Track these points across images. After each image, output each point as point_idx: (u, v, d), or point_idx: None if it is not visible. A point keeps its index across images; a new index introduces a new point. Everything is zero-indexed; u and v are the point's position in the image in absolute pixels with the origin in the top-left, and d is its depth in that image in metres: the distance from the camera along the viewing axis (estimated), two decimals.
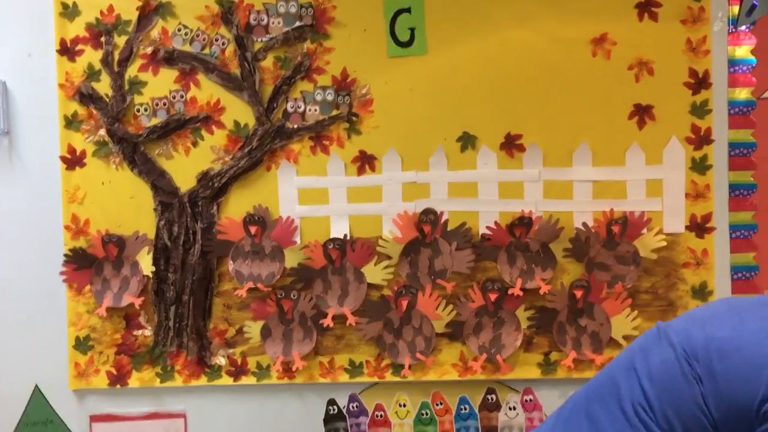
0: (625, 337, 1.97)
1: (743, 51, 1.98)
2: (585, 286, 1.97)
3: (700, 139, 1.98)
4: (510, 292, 1.98)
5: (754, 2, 1.95)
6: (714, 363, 0.97)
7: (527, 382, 2.03)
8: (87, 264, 2.03)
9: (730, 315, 1.03)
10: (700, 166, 1.98)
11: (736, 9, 1.97)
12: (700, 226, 1.98)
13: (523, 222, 1.99)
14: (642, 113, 1.98)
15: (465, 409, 2.05)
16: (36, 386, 2.07)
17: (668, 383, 1.00)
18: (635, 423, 1.01)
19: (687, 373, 0.99)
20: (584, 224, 1.98)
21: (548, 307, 1.99)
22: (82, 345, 2.05)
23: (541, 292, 1.97)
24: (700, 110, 1.98)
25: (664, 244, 1.98)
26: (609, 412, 1.05)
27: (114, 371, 2.05)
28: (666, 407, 1.00)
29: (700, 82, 1.97)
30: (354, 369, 2.04)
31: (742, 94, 1.98)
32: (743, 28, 1.97)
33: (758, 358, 0.95)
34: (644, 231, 1.98)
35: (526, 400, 2.04)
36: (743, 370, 0.95)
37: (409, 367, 2.01)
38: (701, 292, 1.99)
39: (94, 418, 2.08)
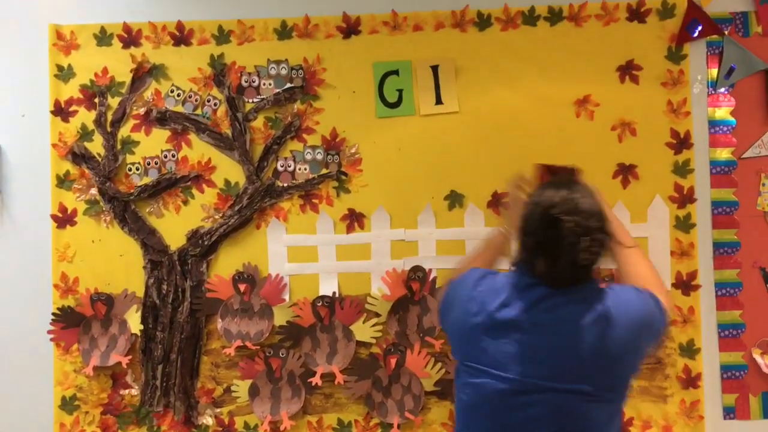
0: None
1: (723, 112, 2.03)
2: None
3: (683, 197, 2.01)
4: None
5: (732, 65, 2.02)
6: None
7: None
8: (75, 323, 2.02)
9: None
10: (684, 224, 2.01)
11: (714, 72, 2.03)
12: (685, 284, 2.00)
13: None
14: (626, 172, 2.02)
15: None
16: None
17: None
18: None
19: None
20: None
21: None
22: (68, 405, 2.03)
23: None
24: (683, 170, 2.02)
25: None
26: None
27: (99, 431, 2.03)
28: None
29: (681, 143, 2.02)
30: (343, 428, 2.02)
31: (723, 153, 2.03)
32: (722, 90, 2.03)
33: None
34: None
35: None
36: None
37: (398, 426, 1.99)
38: (689, 349, 2.00)
39: None
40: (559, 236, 1.31)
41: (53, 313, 2.02)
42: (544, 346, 1.32)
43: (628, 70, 2.03)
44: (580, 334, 1.31)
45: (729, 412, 2.01)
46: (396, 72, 2.05)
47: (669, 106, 2.02)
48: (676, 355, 2.00)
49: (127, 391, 2.04)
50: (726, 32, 2.02)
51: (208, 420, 2.03)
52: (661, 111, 2.02)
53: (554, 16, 2.03)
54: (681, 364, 2.00)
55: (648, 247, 2.00)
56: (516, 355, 1.33)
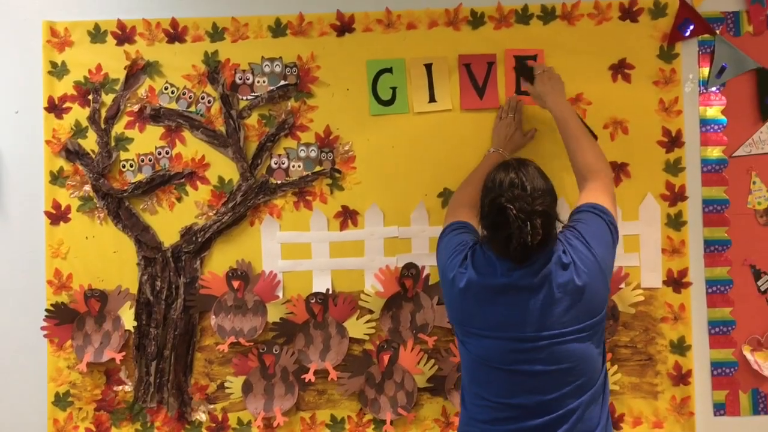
0: None
1: (714, 111, 2.05)
2: None
3: (675, 195, 2.03)
4: None
5: (724, 65, 2.03)
6: None
7: None
8: (69, 319, 2.02)
9: None
10: (675, 222, 2.02)
11: (706, 71, 2.04)
12: (676, 281, 2.02)
13: None
14: (617, 170, 2.03)
15: None
16: None
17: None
18: None
19: None
20: None
21: None
22: (61, 401, 2.03)
23: None
24: (674, 168, 2.03)
25: (642, 298, 2.01)
26: None
27: (93, 428, 2.03)
28: None
29: (673, 141, 2.03)
30: (336, 425, 2.03)
31: (714, 152, 2.04)
32: (714, 89, 2.05)
33: None
34: (622, 286, 2.01)
35: None
36: None
37: (391, 422, 2.00)
38: (680, 346, 2.01)
39: None
40: (507, 222, 1.43)
41: (47, 310, 2.02)
42: (528, 305, 1.46)
43: (620, 69, 2.04)
44: (552, 289, 1.46)
45: (719, 409, 2.03)
46: (390, 70, 2.06)
47: (661, 104, 2.04)
48: (667, 351, 2.02)
49: (120, 388, 2.04)
50: (717, 31, 2.04)
51: (201, 416, 2.04)
52: (652, 109, 2.04)
53: (547, 15, 2.04)
54: (672, 361, 2.01)
55: (639, 245, 2.02)
56: (508, 316, 1.47)
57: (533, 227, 1.41)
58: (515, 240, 1.42)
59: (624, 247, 2.02)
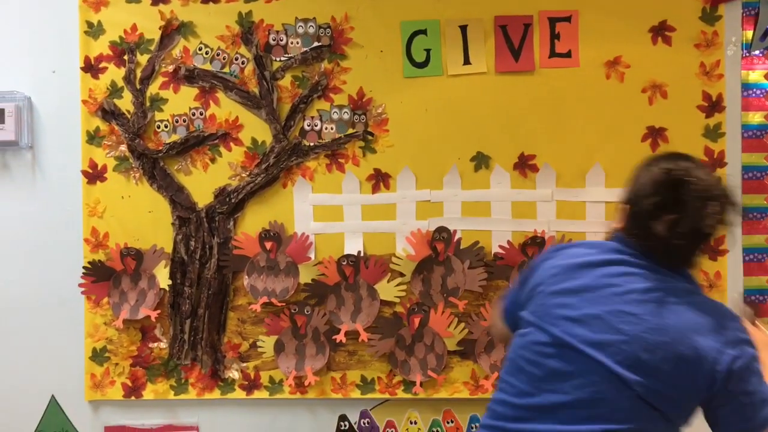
0: None
1: (757, 75, 2.00)
2: None
3: (713, 162, 1.99)
4: None
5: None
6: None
7: None
8: (105, 276, 2.06)
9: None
10: None
11: (749, 34, 1.99)
12: (712, 249, 1.99)
13: (536, 241, 2.00)
14: (655, 135, 2.00)
15: (476, 427, 2.06)
16: (52, 396, 2.11)
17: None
18: None
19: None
20: None
21: None
22: (98, 356, 2.08)
23: None
24: (713, 133, 1.99)
25: None
26: None
27: (129, 383, 2.08)
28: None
29: (713, 106, 1.99)
30: (366, 385, 2.06)
31: (756, 117, 1.99)
32: (757, 53, 1.99)
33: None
34: None
35: None
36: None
37: (421, 384, 2.02)
38: None
39: (109, 430, 2.10)
40: (683, 198, 1.20)
41: (84, 267, 2.06)
42: (600, 313, 1.23)
43: (660, 31, 1.99)
44: (647, 315, 1.20)
45: None
46: (424, 31, 2.04)
47: (701, 68, 1.99)
48: None
49: (155, 345, 2.08)
50: None
51: (234, 374, 2.08)
52: (693, 73, 1.99)
53: None
54: None
55: None
56: (571, 315, 1.25)
57: (715, 209, 1.18)
58: (686, 221, 1.19)
59: None
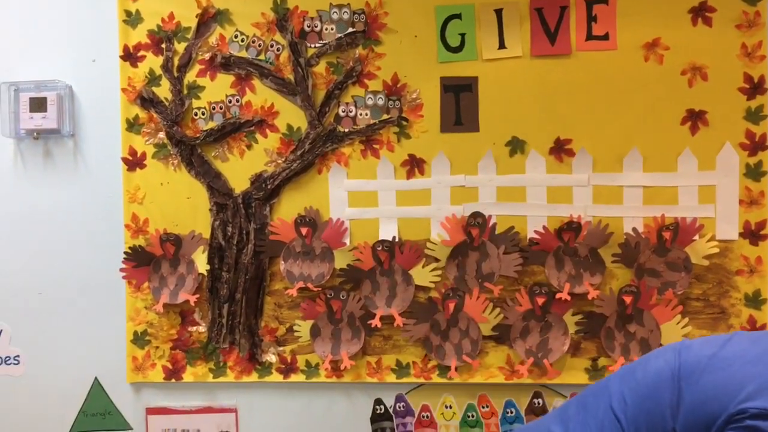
0: None
1: None
2: (634, 292, 1.95)
3: (755, 145, 1.95)
4: (558, 296, 1.98)
5: None
6: (688, 381, 0.94)
7: (574, 386, 2.02)
8: (145, 261, 2.10)
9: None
10: (754, 172, 1.95)
11: None
12: (754, 234, 1.95)
13: (572, 227, 1.99)
14: (695, 119, 1.96)
15: (511, 412, 2.06)
16: (96, 378, 2.16)
17: (650, 393, 0.97)
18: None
19: (668, 387, 0.96)
20: (634, 230, 1.97)
21: (596, 313, 1.99)
22: (139, 339, 2.13)
23: (590, 297, 1.97)
24: (755, 116, 1.95)
25: (717, 250, 1.96)
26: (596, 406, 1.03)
27: (169, 365, 2.13)
28: (639, 415, 0.97)
29: (755, 88, 1.95)
30: (401, 369, 2.07)
31: None
32: None
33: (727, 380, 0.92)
34: (696, 237, 1.96)
35: None
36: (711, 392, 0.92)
37: (456, 369, 2.03)
38: (755, 300, 1.96)
39: (150, 411, 2.15)
40: None
41: (125, 252, 2.11)
42: None
43: (701, 12, 1.95)
44: None
45: None
46: (459, 16, 2.03)
47: (743, 49, 1.95)
48: (741, 305, 1.97)
49: (195, 328, 2.12)
50: None
51: (271, 357, 2.11)
52: (734, 54, 1.95)
53: None
54: (746, 315, 1.97)
55: (716, 195, 1.96)
56: None
57: None
58: None
59: (699, 197, 1.97)
